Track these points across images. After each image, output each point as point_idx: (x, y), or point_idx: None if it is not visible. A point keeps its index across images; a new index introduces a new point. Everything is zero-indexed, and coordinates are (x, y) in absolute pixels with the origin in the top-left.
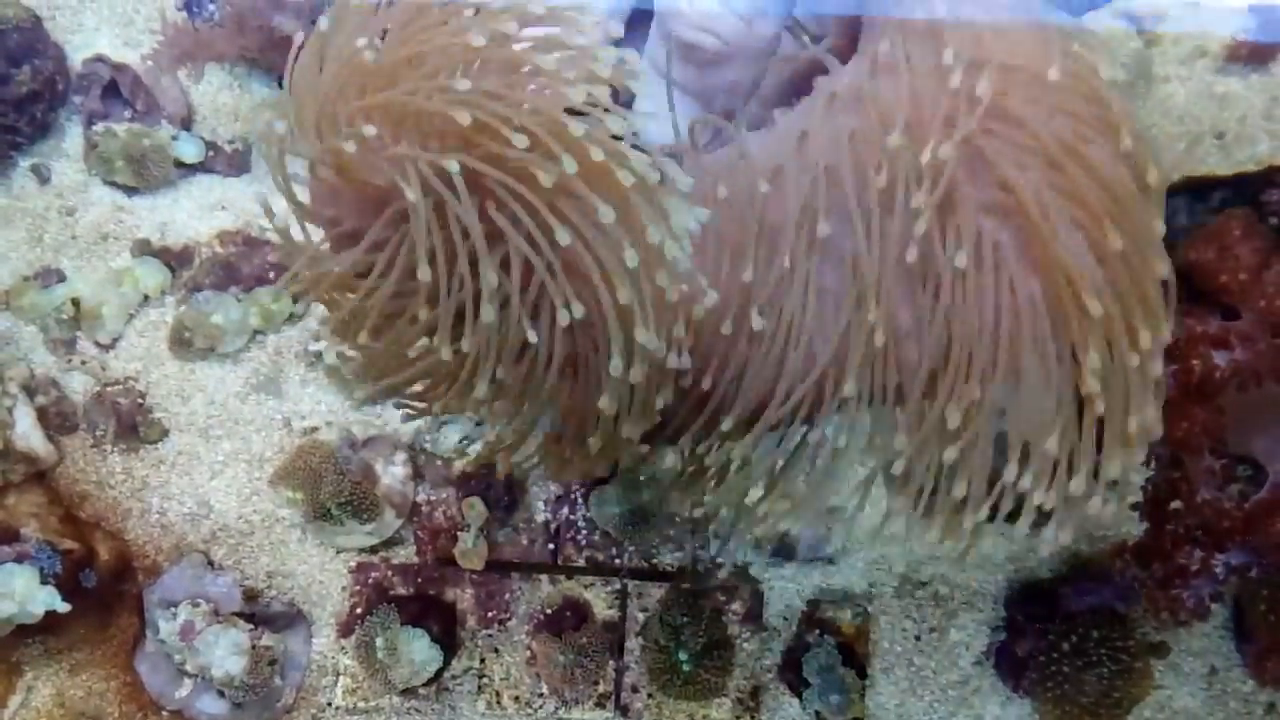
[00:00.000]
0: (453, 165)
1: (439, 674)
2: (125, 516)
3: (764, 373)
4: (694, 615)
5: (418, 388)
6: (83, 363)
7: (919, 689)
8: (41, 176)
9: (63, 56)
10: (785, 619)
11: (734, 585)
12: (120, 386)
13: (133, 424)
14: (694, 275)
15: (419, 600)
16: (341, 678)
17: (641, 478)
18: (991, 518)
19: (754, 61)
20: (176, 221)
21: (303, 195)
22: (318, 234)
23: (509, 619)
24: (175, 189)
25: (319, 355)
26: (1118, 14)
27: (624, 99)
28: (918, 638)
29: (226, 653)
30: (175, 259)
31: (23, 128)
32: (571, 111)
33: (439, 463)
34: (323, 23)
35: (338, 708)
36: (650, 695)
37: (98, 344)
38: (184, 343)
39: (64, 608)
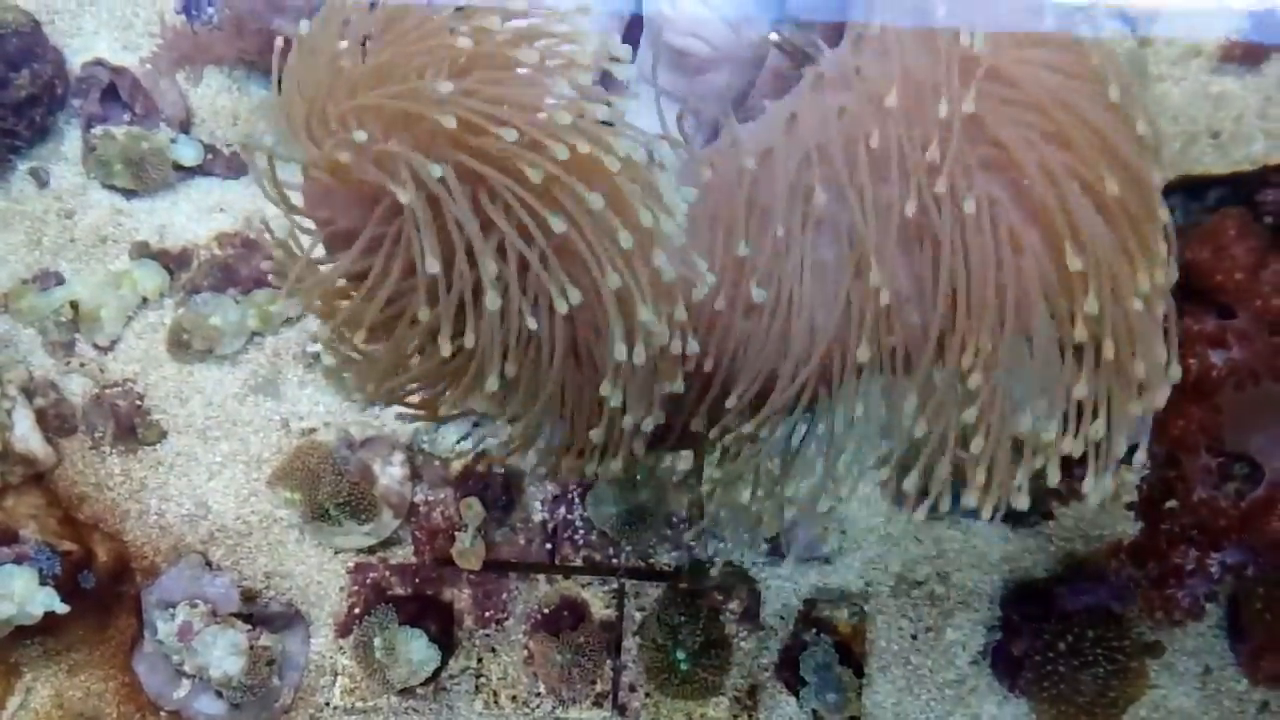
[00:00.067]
0: (435, 170)
1: (437, 674)
2: (124, 518)
3: (767, 349)
4: (691, 614)
5: (417, 397)
6: (81, 365)
7: (915, 688)
8: (40, 179)
9: (61, 60)
10: (782, 618)
11: (731, 584)
12: (119, 388)
13: (131, 426)
14: (690, 255)
15: (417, 600)
16: (339, 678)
17: (639, 477)
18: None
19: (743, 67)
20: (175, 224)
21: (294, 198)
22: (313, 242)
23: (506, 619)
24: (174, 192)
25: (317, 357)
26: (1113, 14)
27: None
28: (914, 637)
29: (224, 653)
30: (174, 261)
31: (22, 131)
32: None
33: (437, 463)
34: (304, 26)
35: (336, 707)
36: (648, 694)
37: (96, 346)
38: (182, 345)
39: (63, 609)
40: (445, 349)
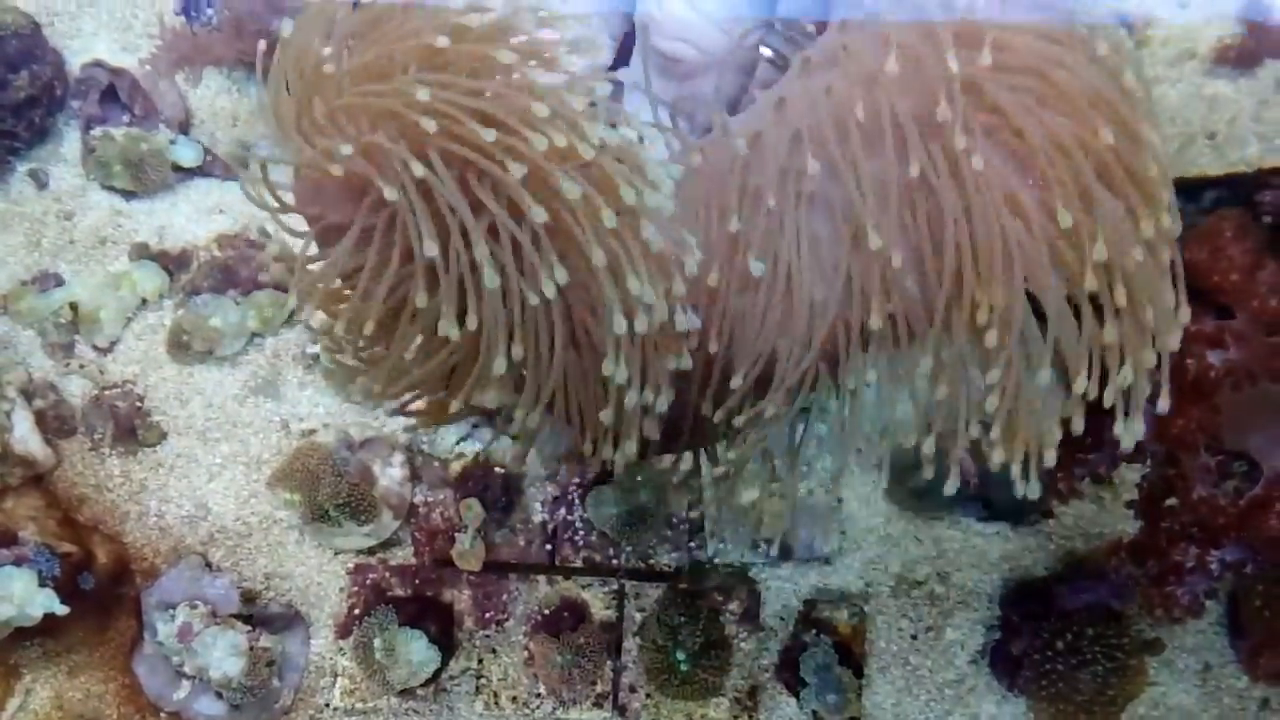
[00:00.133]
0: (417, 169)
1: (437, 675)
2: (123, 519)
3: (768, 326)
4: (691, 615)
5: (423, 403)
6: (81, 366)
7: (915, 688)
8: (39, 181)
9: (61, 62)
10: (782, 619)
11: (731, 585)
12: (118, 390)
13: (131, 427)
14: (679, 230)
15: (417, 601)
16: (339, 679)
17: (639, 477)
18: (987, 504)
19: (733, 73)
20: (174, 225)
21: (285, 200)
22: (307, 242)
23: (506, 620)
24: (173, 193)
25: (316, 358)
26: (1110, 16)
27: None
28: (914, 637)
29: (224, 654)
30: (173, 262)
31: (21, 133)
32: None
33: (436, 464)
34: (287, 25)
35: (336, 709)
36: (648, 695)
37: (96, 347)
38: (182, 346)
39: (62, 610)
40: (453, 333)
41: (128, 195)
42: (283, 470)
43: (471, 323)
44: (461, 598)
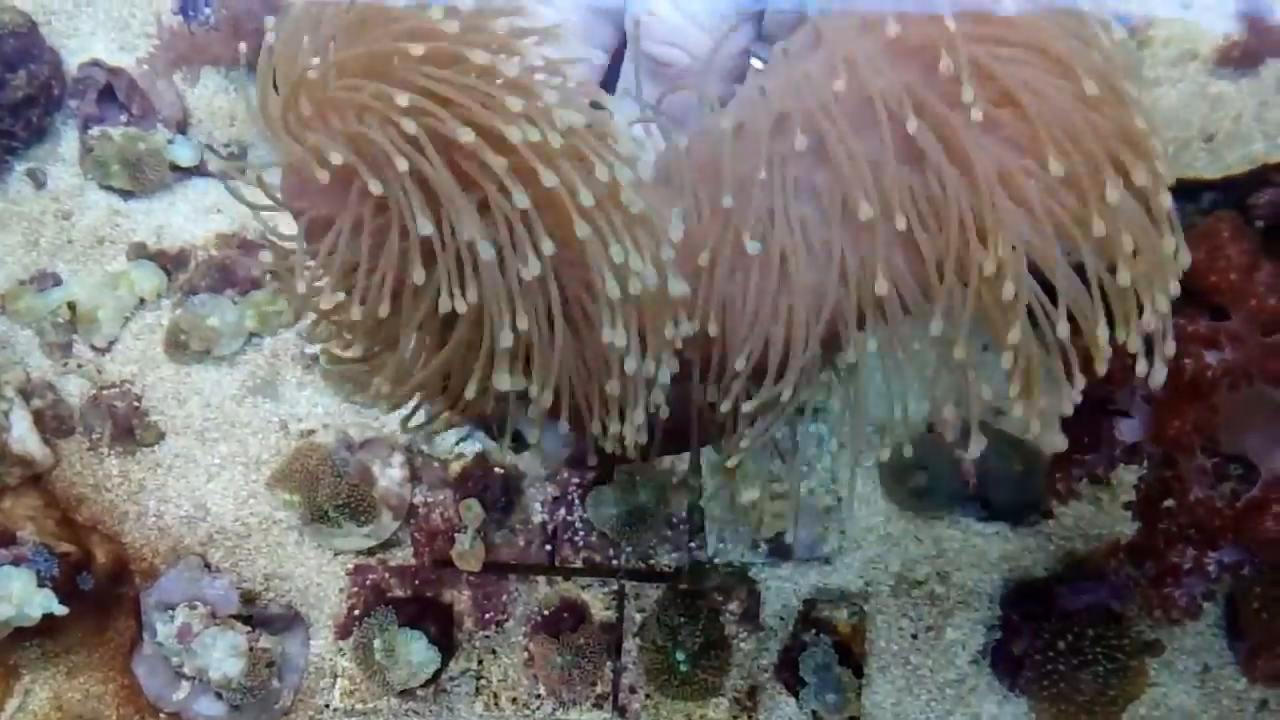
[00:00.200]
0: (402, 164)
1: (436, 675)
2: (122, 519)
3: (764, 307)
4: (691, 615)
5: (427, 407)
6: (79, 366)
7: (915, 688)
8: (37, 181)
9: (58, 61)
10: (782, 619)
11: (731, 585)
12: (116, 389)
13: (129, 427)
14: (660, 198)
15: (416, 602)
16: (339, 679)
17: (638, 478)
18: (987, 505)
19: (724, 78)
20: (172, 225)
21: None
22: (299, 237)
23: (506, 620)
24: (171, 192)
25: (315, 358)
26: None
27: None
28: (914, 637)
29: (224, 655)
30: (171, 262)
31: (18, 132)
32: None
33: (436, 465)
34: (269, 23)
35: (335, 709)
36: (648, 695)
37: (94, 347)
38: (180, 346)
39: (61, 611)
40: (459, 305)
41: (125, 195)
42: (282, 471)
43: (472, 295)
44: (461, 598)
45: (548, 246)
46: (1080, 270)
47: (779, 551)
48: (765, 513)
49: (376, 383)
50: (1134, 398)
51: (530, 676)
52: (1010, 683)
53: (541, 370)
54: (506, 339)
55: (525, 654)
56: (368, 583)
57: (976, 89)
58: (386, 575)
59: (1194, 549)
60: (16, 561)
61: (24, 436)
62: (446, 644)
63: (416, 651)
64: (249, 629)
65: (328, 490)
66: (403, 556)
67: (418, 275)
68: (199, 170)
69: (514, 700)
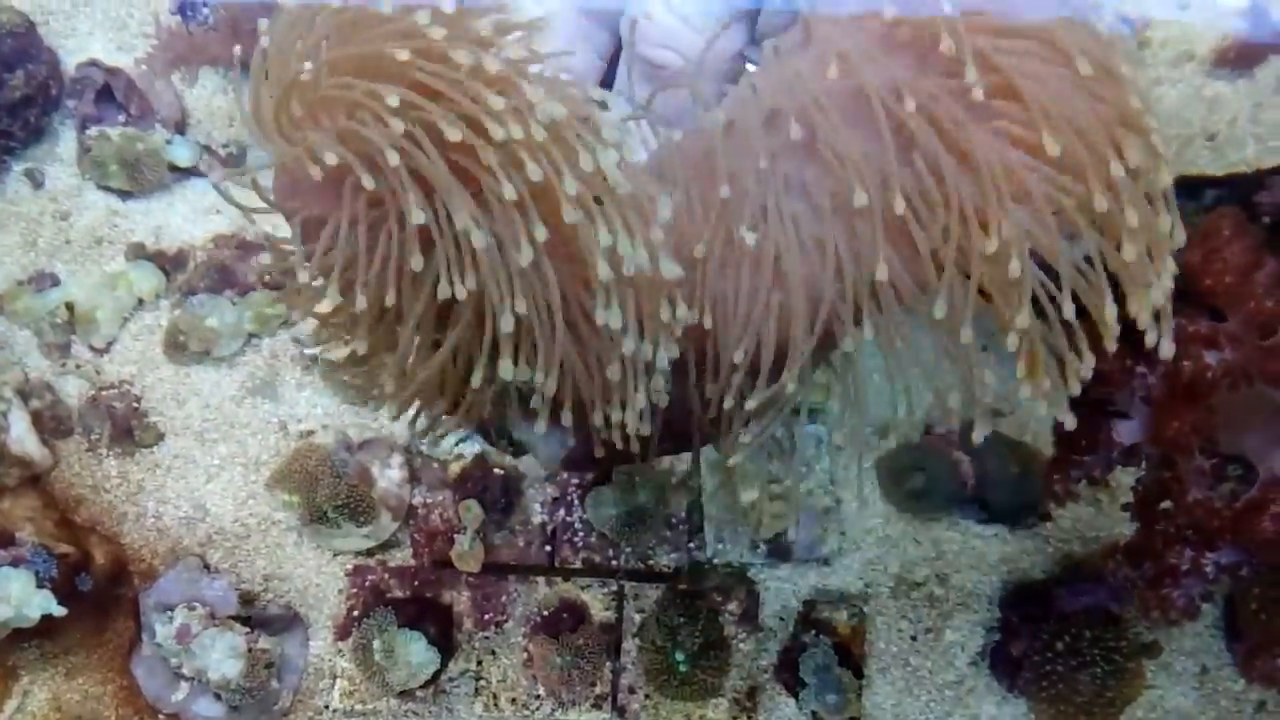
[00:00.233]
0: (393, 158)
1: (436, 676)
2: (121, 520)
3: (759, 301)
4: (690, 616)
5: (428, 412)
6: (77, 367)
7: (915, 689)
8: (35, 181)
9: (56, 61)
10: (781, 619)
11: (730, 586)
12: (115, 390)
13: (128, 428)
14: (650, 183)
15: (416, 603)
16: (338, 680)
17: (637, 479)
18: (985, 507)
19: (717, 80)
20: (171, 225)
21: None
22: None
23: (506, 621)
24: (169, 193)
25: (315, 359)
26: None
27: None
28: (914, 638)
29: (223, 656)
30: (169, 263)
31: (16, 132)
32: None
33: (435, 465)
34: (262, 25)
35: (335, 710)
36: (647, 696)
37: (92, 348)
38: (179, 346)
39: (60, 611)
40: (459, 292)
41: (124, 195)
42: (281, 471)
43: (470, 282)
44: (461, 599)
45: (540, 232)
46: (1084, 257)
47: (778, 552)
48: (764, 513)
49: (381, 381)
50: (1132, 399)
51: (529, 677)
52: (1009, 684)
53: (544, 356)
54: (508, 323)
55: (525, 655)
56: (367, 583)
57: (976, 71)
58: (386, 576)
59: (1192, 550)
60: (15, 562)
61: (22, 437)
62: (446, 645)
63: (416, 652)
64: (248, 630)
65: (327, 491)
66: (402, 557)
67: (416, 262)
68: (197, 171)
69: (513, 701)
